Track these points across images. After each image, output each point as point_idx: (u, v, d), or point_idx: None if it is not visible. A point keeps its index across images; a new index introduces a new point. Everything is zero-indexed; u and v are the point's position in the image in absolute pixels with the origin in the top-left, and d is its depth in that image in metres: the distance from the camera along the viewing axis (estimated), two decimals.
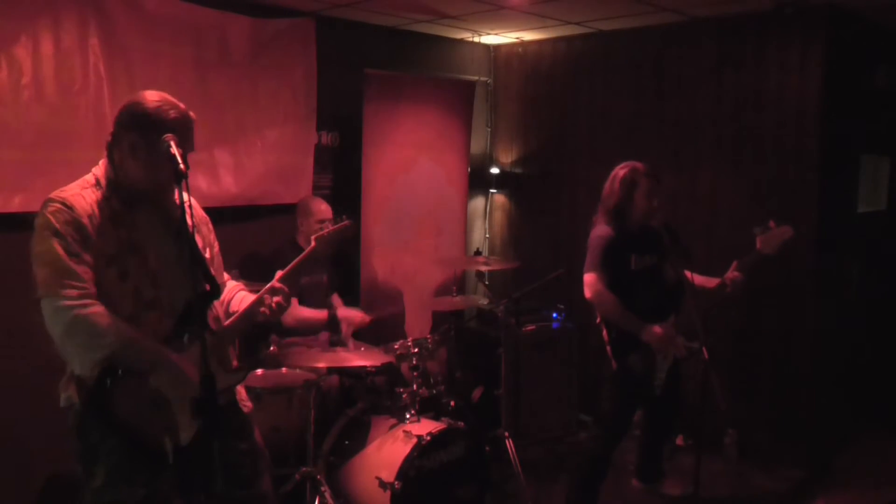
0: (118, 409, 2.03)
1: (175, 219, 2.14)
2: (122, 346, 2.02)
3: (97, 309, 2.02)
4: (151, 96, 2.13)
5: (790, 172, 4.22)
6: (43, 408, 3.12)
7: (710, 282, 3.48)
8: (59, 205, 2.06)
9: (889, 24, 4.52)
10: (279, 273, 2.35)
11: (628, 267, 3.42)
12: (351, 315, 4.03)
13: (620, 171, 3.48)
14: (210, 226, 2.45)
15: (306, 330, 3.92)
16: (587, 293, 3.40)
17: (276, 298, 2.29)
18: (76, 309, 1.99)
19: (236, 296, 2.45)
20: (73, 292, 1.99)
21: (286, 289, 2.31)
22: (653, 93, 4.76)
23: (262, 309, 2.28)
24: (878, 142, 4.78)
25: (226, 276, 2.56)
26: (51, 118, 3.34)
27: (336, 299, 4.25)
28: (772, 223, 3.44)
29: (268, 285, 2.32)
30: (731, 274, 3.47)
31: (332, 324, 3.92)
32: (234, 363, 2.31)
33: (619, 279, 3.39)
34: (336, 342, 3.93)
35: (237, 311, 2.33)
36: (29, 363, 3.23)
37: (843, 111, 4.27)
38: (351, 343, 3.97)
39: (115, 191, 2.13)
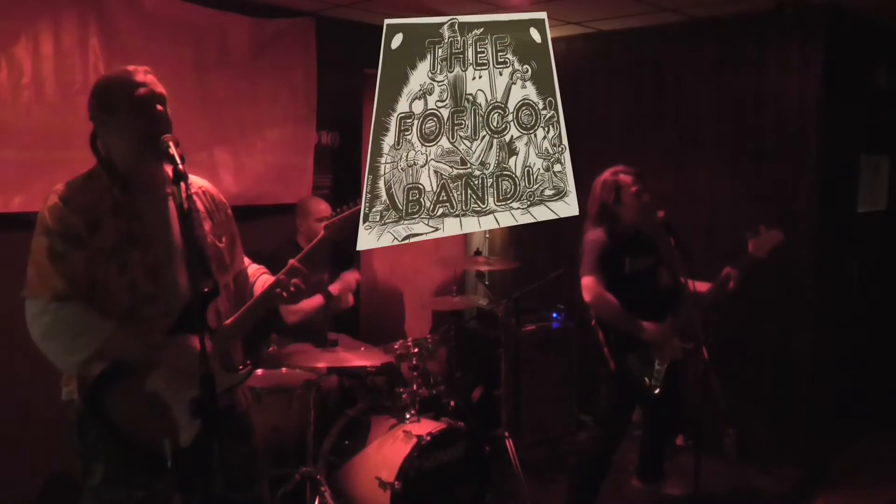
0: (115, 413, 2.02)
1: (182, 207, 2.05)
2: (103, 346, 1.99)
3: (75, 311, 1.99)
4: (109, 72, 2.12)
5: (790, 172, 4.21)
6: (43, 408, 3.13)
7: (702, 286, 3.48)
8: (56, 198, 2.04)
9: (889, 24, 4.52)
10: (292, 261, 2.24)
11: (622, 270, 3.43)
12: (345, 279, 4.01)
13: (601, 177, 3.52)
14: (229, 212, 2.39)
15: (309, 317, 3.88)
16: (586, 297, 3.40)
17: (294, 280, 2.19)
18: (53, 313, 1.98)
19: (259, 279, 2.40)
20: (50, 295, 1.98)
21: (305, 269, 2.20)
22: (653, 93, 4.76)
23: (279, 291, 2.19)
24: (878, 142, 4.77)
25: (246, 260, 2.51)
26: (51, 118, 3.34)
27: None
28: (762, 228, 3.46)
29: (285, 269, 2.22)
30: (729, 270, 3.47)
31: (329, 298, 3.89)
32: (238, 363, 2.25)
33: (613, 282, 3.39)
34: (336, 304, 3.94)
35: (251, 300, 2.26)
36: (29, 363, 3.21)
37: (843, 111, 4.27)
38: (350, 297, 4.03)
39: (115, 180, 2.09)
